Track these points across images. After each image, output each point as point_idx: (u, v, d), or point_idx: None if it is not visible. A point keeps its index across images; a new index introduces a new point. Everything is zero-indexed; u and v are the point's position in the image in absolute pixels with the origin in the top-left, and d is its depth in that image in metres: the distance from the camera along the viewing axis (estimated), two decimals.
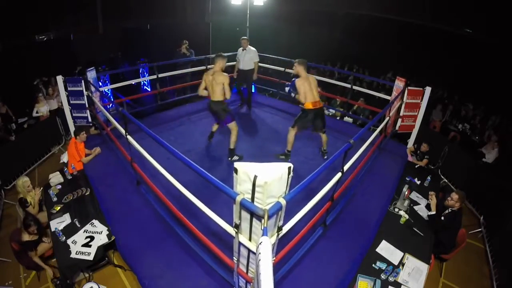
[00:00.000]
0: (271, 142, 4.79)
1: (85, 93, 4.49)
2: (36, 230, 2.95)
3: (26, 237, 2.91)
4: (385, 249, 2.88)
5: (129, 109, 6.45)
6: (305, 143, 4.77)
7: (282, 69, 6.49)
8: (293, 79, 3.84)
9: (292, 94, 3.89)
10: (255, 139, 4.90)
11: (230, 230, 1.89)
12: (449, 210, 3.15)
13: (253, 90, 7.21)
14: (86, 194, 3.58)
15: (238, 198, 1.62)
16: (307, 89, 3.72)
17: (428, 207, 3.53)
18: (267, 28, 10.15)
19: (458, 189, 4.77)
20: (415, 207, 3.51)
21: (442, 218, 3.15)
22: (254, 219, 1.67)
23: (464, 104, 7.51)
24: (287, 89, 3.98)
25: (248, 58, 5.50)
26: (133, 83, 6.74)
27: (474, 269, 3.49)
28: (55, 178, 3.87)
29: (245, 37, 5.53)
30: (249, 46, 5.50)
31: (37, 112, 5.84)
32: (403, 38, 9.19)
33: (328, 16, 10.71)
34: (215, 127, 4.53)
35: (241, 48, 5.55)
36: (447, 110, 7.20)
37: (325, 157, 4.28)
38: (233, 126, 3.98)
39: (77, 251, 2.80)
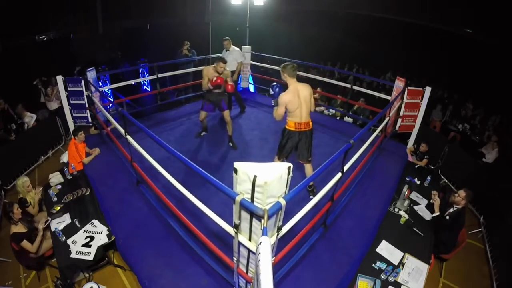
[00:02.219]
0: (270, 142, 4.79)
1: (85, 93, 4.49)
2: (21, 214, 2.90)
3: (13, 229, 2.82)
4: (385, 249, 2.88)
5: (129, 109, 6.46)
6: None
7: None
8: (275, 85, 3.29)
9: (273, 104, 3.23)
10: (255, 139, 4.90)
11: (230, 230, 1.89)
12: (454, 208, 3.13)
13: (252, 90, 7.24)
14: (86, 194, 3.58)
15: (238, 198, 1.62)
16: (295, 106, 2.99)
17: (428, 207, 3.53)
18: (267, 28, 10.16)
19: (458, 189, 4.78)
20: (415, 207, 3.51)
21: (447, 217, 3.12)
22: (254, 219, 1.67)
23: (464, 104, 7.52)
24: (271, 92, 3.30)
25: (231, 59, 5.32)
26: (133, 83, 6.74)
27: (474, 269, 3.49)
28: (55, 178, 3.87)
29: (227, 38, 5.38)
30: (232, 46, 5.36)
31: (26, 122, 5.67)
32: (403, 38, 9.20)
33: (328, 16, 10.71)
34: (204, 116, 4.48)
35: (224, 49, 5.41)
36: (447, 110, 7.20)
37: (311, 196, 3.40)
38: (227, 114, 4.36)
39: (77, 251, 2.80)
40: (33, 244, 2.90)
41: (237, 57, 5.40)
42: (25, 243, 2.82)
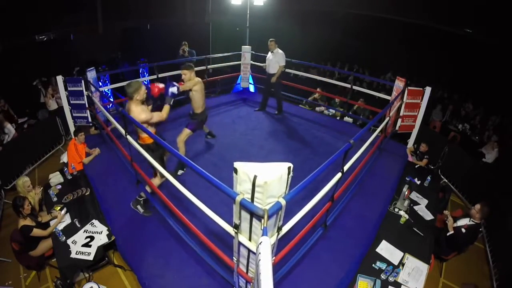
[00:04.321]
0: (271, 142, 4.80)
1: (85, 93, 4.49)
2: (31, 210, 2.94)
3: (21, 222, 2.85)
4: (385, 249, 2.88)
5: None
6: (305, 143, 4.78)
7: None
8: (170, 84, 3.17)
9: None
10: (255, 138, 4.90)
11: (230, 230, 1.89)
12: (470, 222, 3.10)
13: (252, 90, 7.24)
14: (86, 194, 3.58)
15: (238, 198, 1.61)
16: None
17: (428, 207, 3.53)
18: (267, 28, 10.15)
19: (458, 189, 4.78)
20: (415, 207, 3.51)
21: (463, 230, 3.07)
22: (254, 219, 1.66)
23: (464, 104, 7.52)
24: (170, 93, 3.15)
25: (274, 61, 5.32)
26: None
27: (474, 269, 3.50)
28: (55, 178, 3.87)
29: (273, 39, 5.32)
30: (277, 48, 5.30)
31: (6, 133, 5.33)
32: (403, 38, 9.20)
33: (328, 16, 10.70)
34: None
35: (269, 51, 5.39)
36: (447, 110, 7.20)
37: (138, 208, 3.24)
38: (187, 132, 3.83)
39: (77, 251, 2.80)
40: (48, 229, 2.95)
41: (279, 59, 5.28)
42: (37, 231, 2.87)
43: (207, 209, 2.12)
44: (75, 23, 8.51)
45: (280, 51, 5.36)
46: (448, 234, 3.17)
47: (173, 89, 3.13)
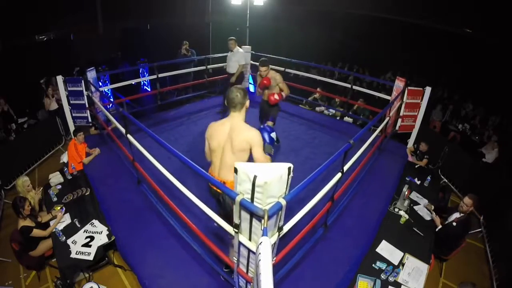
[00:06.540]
0: None
1: (85, 93, 4.49)
2: (30, 211, 2.94)
3: (21, 223, 2.85)
4: (385, 249, 2.88)
5: (129, 109, 6.45)
6: (305, 143, 4.77)
7: (282, 69, 6.48)
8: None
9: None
10: None
11: (230, 230, 1.89)
12: (461, 215, 3.09)
13: (252, 90, 7.24)
14: (86, 194, 3.58)
15: (238, 198, 1.61)
16: (213, 146, 2.24)
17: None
18: (267, 28, 10.16)
19: (458, 189, 4.78)
20: (415, 207, 3.51)
21: (454, 224, 3.07)
22: (254, 219, 1.66)
23: (464, 104, 7.52)
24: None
25: (233, 60, 5.17)
26: (133, 83, 6.73)
27: (474, 269, 3.49)
28: (55, 178, 3.87)
29: (232, 38, 5.15)
30: (237, 47, 5.15)
31: None
32: (403, 38, 9.19)
33: (328, 16, 10.70)
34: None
35: (229, 50, 5.22)
36: (447, 110, 7.20)
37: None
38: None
39: (77, 251, 2.80)
40: (47, 229, 2.95)
41: (239, 59, 5.16)
42: (37, 231, 2.88)
43: (208, 209, 2.12)
44: (75, 23, 8.52)
45: (241, 50, 5.22)
46: (437, 229, 3.17)
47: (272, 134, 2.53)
